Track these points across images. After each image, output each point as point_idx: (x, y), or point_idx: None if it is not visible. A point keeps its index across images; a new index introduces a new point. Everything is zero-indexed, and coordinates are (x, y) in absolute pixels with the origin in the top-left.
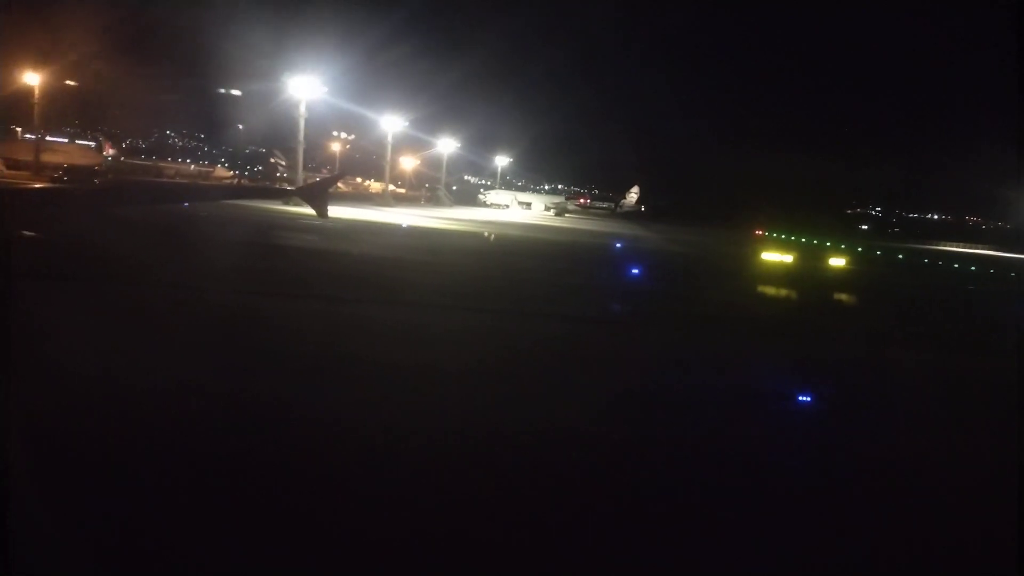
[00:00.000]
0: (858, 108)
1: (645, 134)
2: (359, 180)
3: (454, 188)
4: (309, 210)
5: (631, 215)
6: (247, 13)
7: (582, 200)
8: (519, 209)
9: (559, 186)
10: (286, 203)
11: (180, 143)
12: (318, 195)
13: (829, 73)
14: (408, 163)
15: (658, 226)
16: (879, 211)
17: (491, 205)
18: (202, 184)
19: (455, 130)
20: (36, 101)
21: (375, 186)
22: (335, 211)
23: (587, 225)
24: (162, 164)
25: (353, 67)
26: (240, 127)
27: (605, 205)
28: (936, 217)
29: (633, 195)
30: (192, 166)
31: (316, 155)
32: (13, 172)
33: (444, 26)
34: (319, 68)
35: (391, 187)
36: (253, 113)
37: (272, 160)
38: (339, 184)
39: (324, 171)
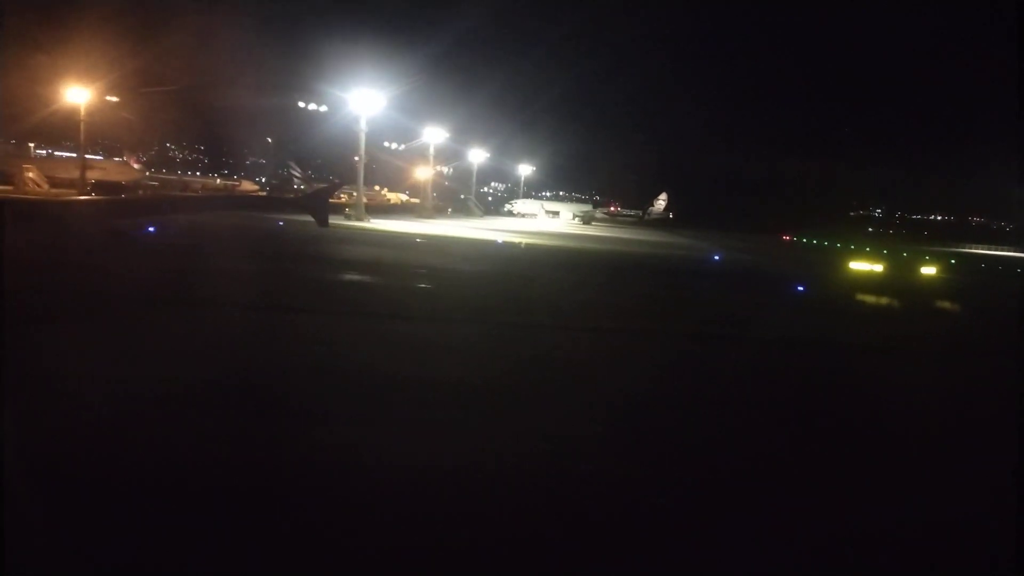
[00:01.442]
0: (858, 108)
1: (669, 140)
2: (377, 188)
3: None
4: (365, 224)
5: (660, 222)
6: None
7: (612, 208)
8: (547, 218)
9: (573, 193)
10: (348, 218)
11: (186, 157)
12: (318, 205)
13: (833, 72)
14: (426, 173)
15: (701, 233)
16: (880, 213)
17: (518, 214)
18: (193, 197)
19: (482, 140)
20: (82, 119)
21: (391, 196)
22: (400, 225)
23: (638, 235)
24: (187, 179)
25: (384, 81)
26: (269, 140)
27: (633, 213)
28: (939, 218)
29: (661, 202)
30: (218, 179)
31: (336, 167)
32: (57, 190)
33: (471, 37)
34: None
35: (403, 197)
36: (275, 127)
37: (287, 172)
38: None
39: (333, 181)
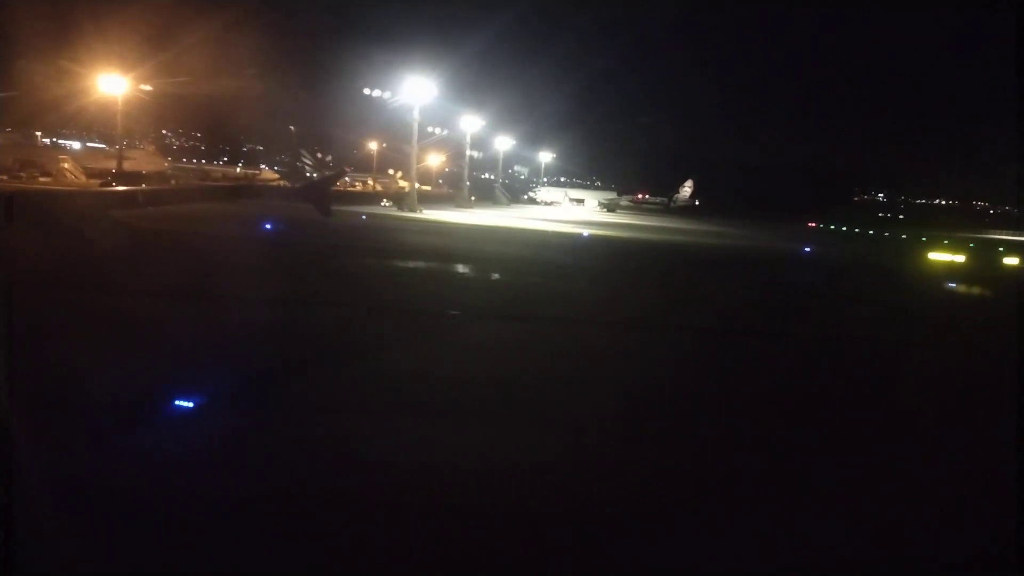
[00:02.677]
0: (860, 92)
1: (693, 127)
2: (391, 173)
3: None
4: (429, 215)
5: (686, 210)
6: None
7: (640, 196)
8: (571, 206)
9: (593, 181)
10: (400, 208)
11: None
12: (320, 195)
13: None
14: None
15: (737, 222)
16: (883, 197)
17: (541, 202)
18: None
19: (508, 127)
20: (119, 110)
21: (404, 183)
22: (451, 215)
23: (681, 223)
24: (207, 167)
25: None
26: (292, 128)
27: (658, 200)
28: (944, 203)
29: (687, 189)
30: (238, 168)
31: (350, 155)
32: (92, 180)
33: (494, 25)
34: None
35: (417, 185)
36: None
37: (299, 162)
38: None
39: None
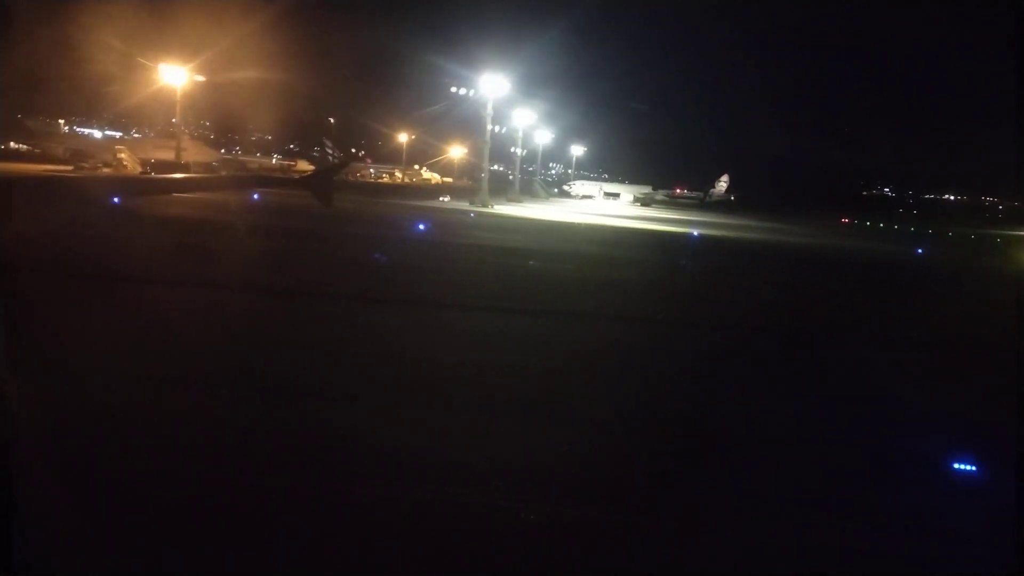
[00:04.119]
0: (866, 86)
1: (727, 121)
2: (415, 167)
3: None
4: (497, 210)
5: (722, 204)
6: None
7: (679, 190)
8: (605, 200)
9: (620, 176)
10: (472, 203)
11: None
12: (322, 185)
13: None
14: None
15: (778, 217)
16: (890, 192)
17: (576, 195)
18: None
19: (548, 121)
20: (178, 101)
21: (431, 176)
22: (518, 210)
23: (730, 219)
24: (244, 158)
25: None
26: (331, 120)
27: (694, 194)
28: (952, 198)
29: (723, 184)
30: (274, 159)
31: (379, 148)
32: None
33: (534, 20)
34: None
35: (436, 176)
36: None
37: (322, 150)
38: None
39: (370, 162)
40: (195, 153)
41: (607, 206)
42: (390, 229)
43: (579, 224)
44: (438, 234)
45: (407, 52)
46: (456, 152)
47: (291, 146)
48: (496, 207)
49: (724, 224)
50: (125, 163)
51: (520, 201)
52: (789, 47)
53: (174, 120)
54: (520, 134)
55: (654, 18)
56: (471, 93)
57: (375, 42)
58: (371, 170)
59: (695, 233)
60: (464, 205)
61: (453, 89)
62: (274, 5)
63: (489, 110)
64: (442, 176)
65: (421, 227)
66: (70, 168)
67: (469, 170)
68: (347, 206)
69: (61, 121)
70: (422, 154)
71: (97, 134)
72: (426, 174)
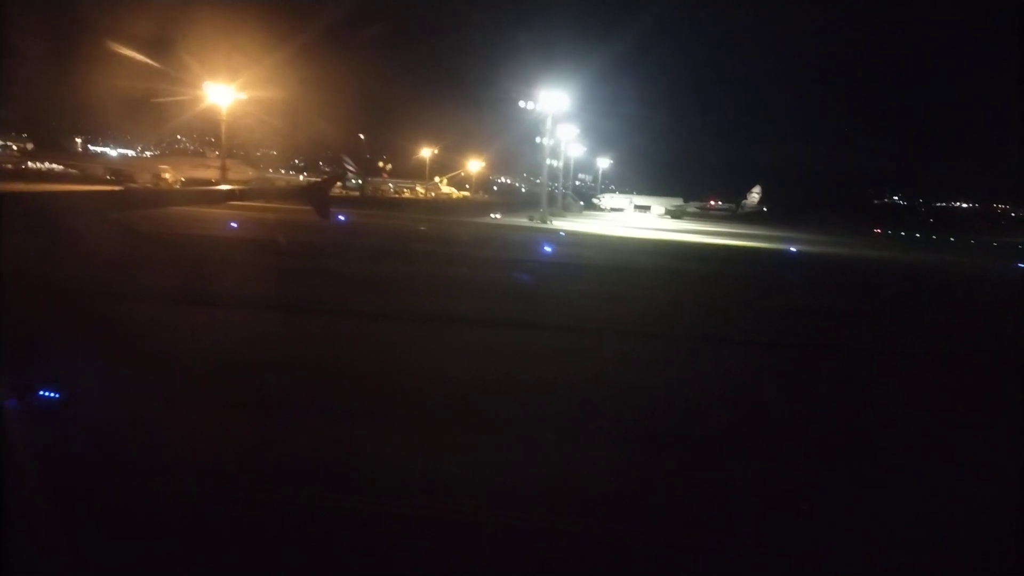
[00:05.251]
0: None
1: (755, 132)
2: (435, 180)
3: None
4: (549, 225)
5: (756, 216)
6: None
7: (712, 202)
8: (635, 213)
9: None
10: (531, 219)
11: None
12: (318, 197)
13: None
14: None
15: (816, 228)
16: (901, 200)
17: (606, 208)
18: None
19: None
20: (223, 120)
21: (451, 190)
22: (573, 224)
23: (777, 232)
24: (269, 175)
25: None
26: (361, 136)
27: (727, 206)
28: (964, 206)
29: (755, 195)
30: (301, 176)
31: (404, 163)
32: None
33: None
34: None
35: (453, 190)
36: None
37: (342, 167)
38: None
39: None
40: (235, 172)
41: (643, 219)
42: (522, 252)
43: (659, 240)
44: (563, 255)
45: (443, 70)
46: (472, 165)
47: (320, 163)
48: (555, 222)
49: (783, 237)
50: (170, 181)
51: (562, 215)
52: (782, 47)
53: (211, 139)
54: (563, 148)
55: (677, 36)
56: (530, 106)
57: (406, 62)
58: (390, 184)
59: (792, 249)
60: (523, 221)
61: (519, 103)
62: (303, 34)
63: (549, 125)
64: (458, 189)
65: (547, 248)
66: (132, 186)
67: (484, 184)
68: (425, 228)
69: (78, 140)
70: (439, 167)
71: (112, 153)
72: (445, 188)
